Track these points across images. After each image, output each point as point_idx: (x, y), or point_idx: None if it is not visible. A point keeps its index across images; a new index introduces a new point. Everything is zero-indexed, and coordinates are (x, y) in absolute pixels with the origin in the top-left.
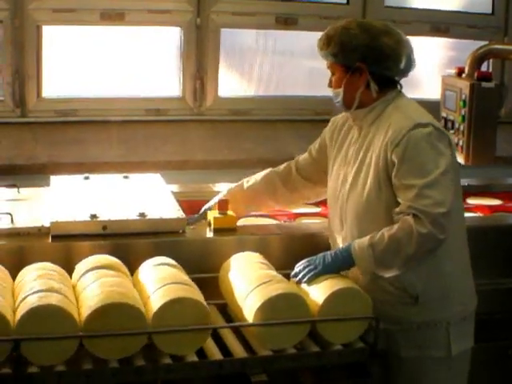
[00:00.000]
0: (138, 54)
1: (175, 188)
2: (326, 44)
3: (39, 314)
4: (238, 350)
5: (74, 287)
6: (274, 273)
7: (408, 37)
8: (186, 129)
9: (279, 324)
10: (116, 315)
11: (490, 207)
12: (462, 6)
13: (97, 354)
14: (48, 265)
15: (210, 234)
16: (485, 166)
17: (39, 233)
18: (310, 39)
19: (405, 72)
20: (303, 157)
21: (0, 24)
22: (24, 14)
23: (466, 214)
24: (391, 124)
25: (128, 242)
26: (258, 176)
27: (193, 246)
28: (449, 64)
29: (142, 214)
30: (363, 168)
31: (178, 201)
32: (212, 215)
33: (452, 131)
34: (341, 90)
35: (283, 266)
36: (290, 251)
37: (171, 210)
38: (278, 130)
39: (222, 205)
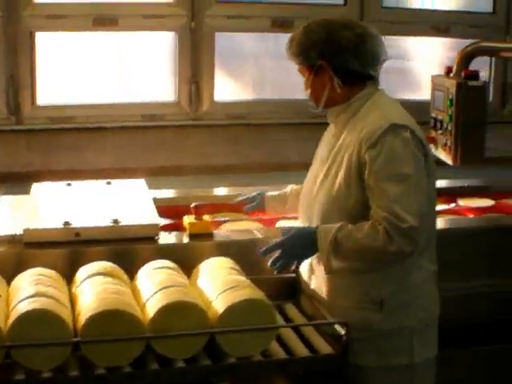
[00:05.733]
0: (132, 59)
1: (162, 194)
2: (289, 46)
3: (29, 319)
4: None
5: (73, 293)
6: (242, 278)
7: (403, 37)
8: (182, 134)
9: (239, 331)
10: (114, 321)
11: (482, 209)
12: (462, 6)
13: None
14: (44, 270)
15: (185, 240)
16: (482, 168)
17: (13, 240)
18: None
19: (371, 66)
20: None
21: None
22: (17, 21)
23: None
24: (366, 123)
25: (101, 249)
26: None
27: (167, 251)
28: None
29: (116, 221)
30: (334, 166)
31: (165, 207)
32: (187, 221)
33: (440, 131)
34: (310, 91)
35: (259, 272)
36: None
37: (146, 217)
38: (275, 134)
39: (198, 210)
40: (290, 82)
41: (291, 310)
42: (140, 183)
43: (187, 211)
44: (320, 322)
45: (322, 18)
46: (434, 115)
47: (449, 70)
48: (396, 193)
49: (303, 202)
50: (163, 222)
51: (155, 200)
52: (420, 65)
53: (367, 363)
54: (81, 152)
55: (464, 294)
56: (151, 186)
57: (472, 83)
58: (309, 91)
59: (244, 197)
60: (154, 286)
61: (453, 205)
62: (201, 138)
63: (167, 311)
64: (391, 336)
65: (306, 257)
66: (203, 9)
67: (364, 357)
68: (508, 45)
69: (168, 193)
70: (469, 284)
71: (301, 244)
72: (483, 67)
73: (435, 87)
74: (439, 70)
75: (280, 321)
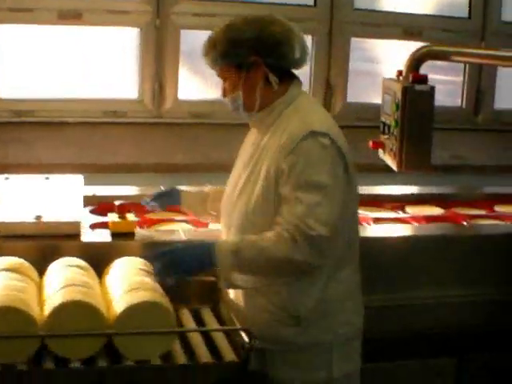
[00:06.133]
0: (96, 54)
1: (102, 191)
2: (212, 47)
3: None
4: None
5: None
6: (146, 280)
7: (379, 40)
8: (143, 131)
9: (132, 334)
10: (8, 318)
11: (430, 217)
12: (438, 10)
13: None
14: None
15: (107, 238)
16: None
17: None
18: None
19: (300, 62)
20: None
21: None
22: None
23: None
24: (286, 129)
25: (23, 245)
26: None
27: (88, 249)
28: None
29: (39, 217)
30: (254, 174)
31: (109, 204)
32: (111, 219)
33: (387, 136)
34: (239, 93)
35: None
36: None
37: (70, 214)
38: (238, 134)
39: (121, 209)
40: None
41: (207, 314)
42: (78, 179)
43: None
44: (221, 329)
45: (243, 16)
46: (383, 119)
47: (400, 74)
48: (310, 202)
49: (224, 207)
50: (102, 219)
51: (98, 197)
52: (390, 68)
53: (288, 377)
54: (40, 146)
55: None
56: (107, 183)
57: (418, 87)
58: (236, 93)
59: (155, 193)
60: (56, 284)
61: (400, 213)
62: (162, 136)
63: (63, 310)
64: (310, 350)
65: (197, 270)
66: (169, 6)
67: (284, 371)
68: (459, 49)
69: (112, 190)
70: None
71: (194, 256)
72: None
73: (385, 91)
74: None
75: (190, 325)
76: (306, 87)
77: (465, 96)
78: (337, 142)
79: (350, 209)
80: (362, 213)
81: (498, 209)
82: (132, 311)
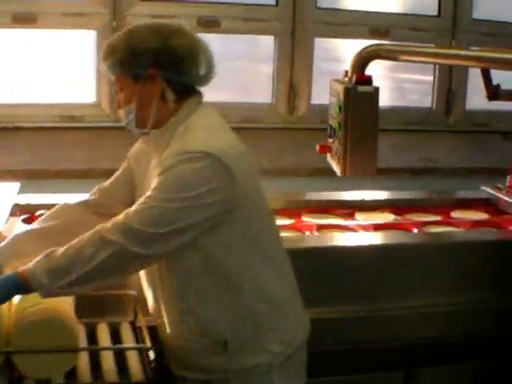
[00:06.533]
0: (53, 58)
1: (40, 199)
2: (111, 52)
3: None
4: None
5: None
6: None
7: (344, 39)
8: (101, 136)
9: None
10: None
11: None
12: (406, 9)
13: None
14: None
15: None
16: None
17: None
18: (235, 41)
19: (205, 79)
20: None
21: None
22: None
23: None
24: (168, 151)
25: None
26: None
27: None
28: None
29: None
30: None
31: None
32: None
33: (331, 140)
34: (133, 106)
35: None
36: None
37: None
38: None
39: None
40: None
41: (125, 329)
42: (13, 187)
43: None
44: (120, 347)
45: (149, 23)
46: (330, 122)
47: (347, 74)
48: (153, 202)
49: None
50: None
51: (33, 206)
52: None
53: None
54: None
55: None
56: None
57: (361, 89)
58: (129, 106)
59: None
60: None
61: (349, 221)
62: (120, 140)
63: None
64: (246, 375)
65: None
66: (126, 8)
67: None
68: (409, 48)
69: (51, 198)
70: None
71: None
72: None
73: (331, 92)
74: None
75: (104, 340)
76: (269, 89)
77: (435, 96)
78: (223, 160)
79: (261, 217)
80: (308, 220)
81: (456, 214)
82: (30, 328)
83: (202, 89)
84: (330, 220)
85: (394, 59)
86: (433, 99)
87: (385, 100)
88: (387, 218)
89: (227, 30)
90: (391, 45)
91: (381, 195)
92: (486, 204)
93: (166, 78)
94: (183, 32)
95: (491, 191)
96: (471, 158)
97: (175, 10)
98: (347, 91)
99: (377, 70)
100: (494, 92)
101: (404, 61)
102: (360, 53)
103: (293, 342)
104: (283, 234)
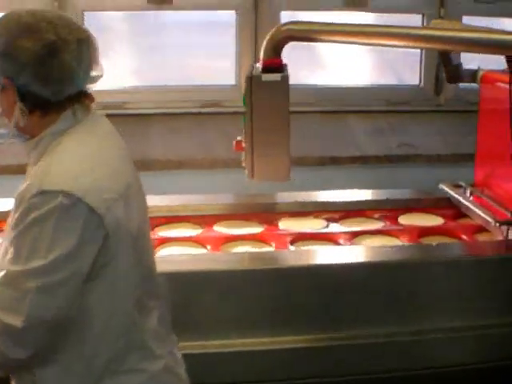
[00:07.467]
0: None
1: None
2: None
3: None
4: None
5: None
6: None
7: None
8: None
9: None
10: None
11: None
12: None
13: None
14: None
15: None
16: None
17: None
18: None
19: (63, 91)
20: None
21: None
22: None
23: None
24: (32, 175)
25: None
26: None
27: None
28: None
29: None
30: (7, 233)
31: None
32: None
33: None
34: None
35: None
36: None
37: None
38: (152, 126)
39: None
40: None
41: None
42: None
43: None
44: None
45: (11, 12)
46: None
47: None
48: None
49: None
50: None
51: None
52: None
53: None
54: None
55: None
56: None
57: (266, 77)
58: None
59: None
60: None
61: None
62: None
63: None
64: None
65: None
66: None
67: None
68: (330, 27)
69: None
70: None
71: None
72: None
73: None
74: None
75: None
76: (232, 68)
77: (423, 73)
78: (86, 200)
79: (123, 282)
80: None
81: (403, 220)
82: None
83: None
84: (247, 229)
85: (313, 40)
86: (421, 76)
87: (366, 78)
88: (316, 225)
89: (179, 6)
90: (308, 23)
91: (321, 196)
92: (448, 205)
93: (18, 90)
94: (40, 29)
95: (451, 192)
96: (461, 143)
97: None
98: (250, 80)
99: None
100: (453, 73)
101: (325, 41)
102: (272, 35)
103: None
104: None
